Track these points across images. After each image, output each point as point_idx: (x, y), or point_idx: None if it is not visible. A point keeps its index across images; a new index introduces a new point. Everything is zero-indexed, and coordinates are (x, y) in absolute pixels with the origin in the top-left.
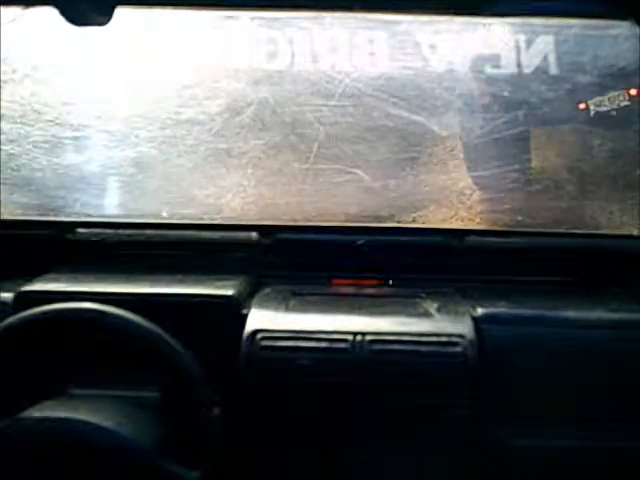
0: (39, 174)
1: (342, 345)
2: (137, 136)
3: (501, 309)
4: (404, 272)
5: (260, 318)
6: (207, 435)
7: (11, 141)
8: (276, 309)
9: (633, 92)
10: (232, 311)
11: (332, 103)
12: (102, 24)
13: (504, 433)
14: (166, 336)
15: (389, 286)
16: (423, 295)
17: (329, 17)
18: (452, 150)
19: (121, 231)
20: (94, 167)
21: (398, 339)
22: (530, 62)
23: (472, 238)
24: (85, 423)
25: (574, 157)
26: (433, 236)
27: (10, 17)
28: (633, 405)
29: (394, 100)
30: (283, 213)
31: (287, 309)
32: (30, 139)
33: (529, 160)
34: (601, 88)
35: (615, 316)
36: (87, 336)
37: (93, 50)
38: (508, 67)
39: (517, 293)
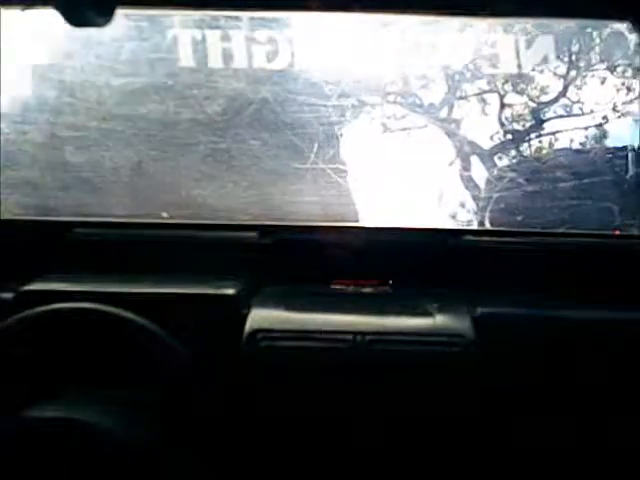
0: (39, 174)
1: (342, 345)
2: (137, 135)
3: (501, 309)
4: (404, 272)
5: (260, 318)
6: (206, 435)
7: (11, 141)
8: (276, 309)
9: None
10: (232, 311)
11: (330, 103)
12: (102, 25)
13: (504, 433)
14: (165, 336)
15: (389, 286)
16: (423, 295)
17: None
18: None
19: (121, 231)
20: (94, 167)
21: (398, 339)
22: (528, 62)
23: (472, 238)
24: (85, 423)
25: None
26: (433, 236)
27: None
28: (633, 404)
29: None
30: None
31: (287, 309)
32: (30, 139)
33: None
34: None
35: (615, 316)
36: (87, 336)
37: (91, 50)
38: (506, 66)
39: (517, 293)
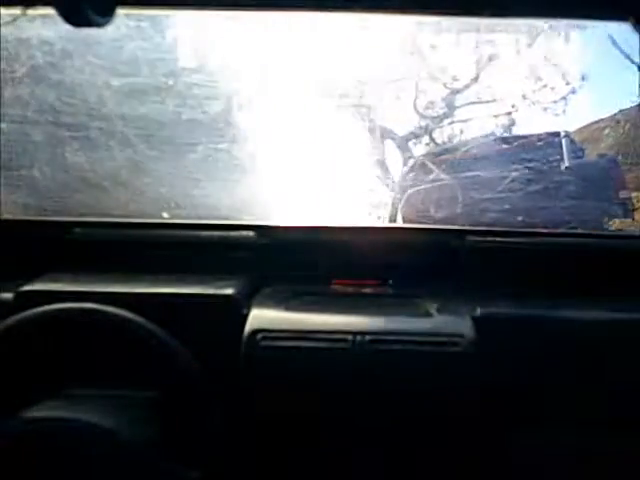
0: (39, 174)
1: (342, 345)
2: (137, 135)
3: (501, 309)
4: (404, 272)
5: (260, 318)
6: (206, 434)
7: (11, 141)
8: (276, 309)
9: None
10: (232, 311)
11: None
12: (102, 25)
13: (504, 433)
14: (166, 336)
15: (389, 286)
16: (423, 295)
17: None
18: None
19: (121, 231)
20: (94, 167)
21: (398, 339)
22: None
23: (472, 238)
24: (85, 423)
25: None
26: (433, 236)
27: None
28: (632, 405)
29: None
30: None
31: (287, 309)
32: (30, 139)
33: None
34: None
35: (615, 316)
36: (87, 336)
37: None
38: (503, 67)
39: (517, 293)
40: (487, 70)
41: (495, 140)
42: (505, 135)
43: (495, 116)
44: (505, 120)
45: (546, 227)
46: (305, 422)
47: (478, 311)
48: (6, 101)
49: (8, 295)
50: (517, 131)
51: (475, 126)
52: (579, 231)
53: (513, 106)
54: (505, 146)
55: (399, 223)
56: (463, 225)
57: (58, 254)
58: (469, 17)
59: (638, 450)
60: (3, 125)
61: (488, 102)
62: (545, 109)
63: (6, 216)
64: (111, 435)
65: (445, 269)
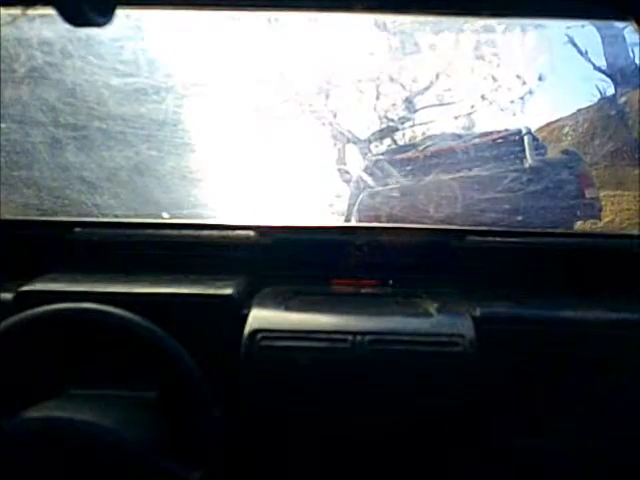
0: (39, 174)
1: (342, 345)
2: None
3: (501, 309)
4: (404, 272)
5: (260, 318)
6: (206, 434)
7: (11, 141)
8: (276, 309)
9: None
10: (232, 311)
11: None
12: (102, 25)
13: (504, 433)
14: (166, 336)
15: (389, 286)
16: (423, 295)
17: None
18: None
19: (121, 231)
20: (94, 167)
21: (398, 339)
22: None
23: (472, 238)
24: (85, 423)
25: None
26: (433, 236)
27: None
28: (632, 405)
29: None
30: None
31: (287, 309)
32: (30, 139)
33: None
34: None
35: (615, 316)
36: (87, 336)
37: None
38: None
39: (517, 293)
40: (447, 72)
41: (456, 141)
42: (466, 135)
43: (456, 117)
44: (466, 121)
45: (526, 226)
46: (305, 421)
47: (478, 311)
48: (6, 101)
49: (8, 295)
50: (477, 131)
51: (436, 127)
52: (579, 231)
53: (473, 107)
54: (466, 146)
55: (354, 223)
56: (462, 225)
57: (58, 254)
58: (467, 17)
59: (638, 450)
60: (3, 125)
61: (448, 104)
62: (504, 109)
63: (6, 216)
64: (111, 435)
65: (445, 269)
